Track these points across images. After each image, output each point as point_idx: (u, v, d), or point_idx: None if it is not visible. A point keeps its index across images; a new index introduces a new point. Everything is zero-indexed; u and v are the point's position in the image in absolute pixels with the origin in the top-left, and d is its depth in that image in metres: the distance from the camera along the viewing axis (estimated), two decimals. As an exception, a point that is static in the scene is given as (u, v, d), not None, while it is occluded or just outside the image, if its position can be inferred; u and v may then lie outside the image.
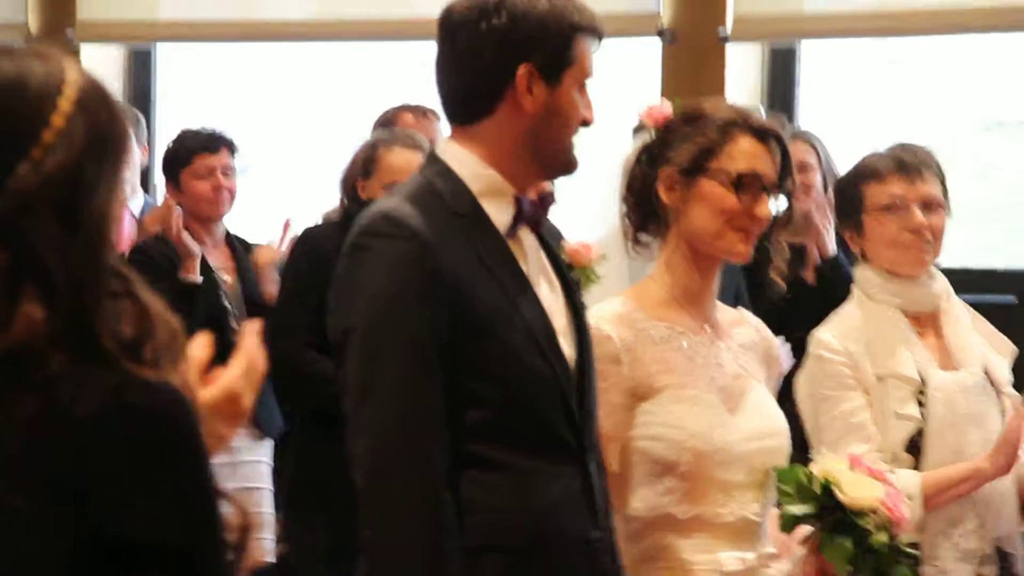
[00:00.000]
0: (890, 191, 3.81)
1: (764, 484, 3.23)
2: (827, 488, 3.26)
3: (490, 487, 2.79)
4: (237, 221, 6.17)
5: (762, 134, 3.24)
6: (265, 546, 5.01)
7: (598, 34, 2.96)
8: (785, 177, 3.26)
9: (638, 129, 3.69)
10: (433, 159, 2.98)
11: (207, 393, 1.89)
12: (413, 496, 2.73)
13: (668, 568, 3.13)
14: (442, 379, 2.75)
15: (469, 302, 2.78)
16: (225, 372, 1.96)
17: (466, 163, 2.88)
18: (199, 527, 1.66)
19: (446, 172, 2.88)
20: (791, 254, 5.58)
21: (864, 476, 3.33)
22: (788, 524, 3.26)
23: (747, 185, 3.14)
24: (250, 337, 2.00)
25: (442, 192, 2.87)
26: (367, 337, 2.75)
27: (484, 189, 2.87)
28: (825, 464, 3.31)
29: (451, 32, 2.90)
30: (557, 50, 2.87)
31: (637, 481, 3.14)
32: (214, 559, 1.68)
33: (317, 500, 4.85)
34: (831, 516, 3.26)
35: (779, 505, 3.30)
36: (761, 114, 4.38)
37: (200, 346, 1.96)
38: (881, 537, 3.26)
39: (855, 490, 3.27)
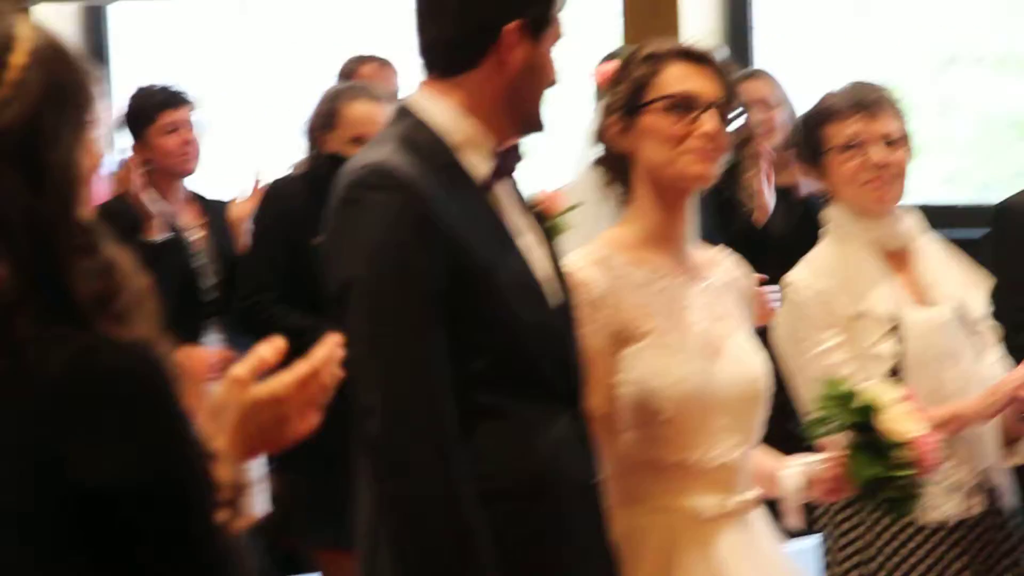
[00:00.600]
0: (849, 130, 3.85)
1: (746, 428, 3.24)
2: (867, 410, 3.36)
3: (495, 435, 2.83)
4: (201, 177, 6.17)
5: (693, 56, 3.26)
6: (256, 502, 5.00)
7: None
8: (732, 96, 3.28)
9: (597, 92, 3.86)
10: (405, 111, 2.95)
11: (256, 391, 1.94)
12: (429, 443, 2.75)
13: (650, 511, 3.15)
14: (444, 329, 2.79)
15: (463, 252, 2.78)
16: (281, 375, 1.99)
17: (445, 114, 2.88)
18: (175, 484, 1.65)
19: (421, 124, 2.88)
20: (779, 197, 5.70)
21: (911, 412, 3.39)
22: (815, 429, 3.40)
23: (683, 106, 3.16)
24: (323, 348, 2.04)
25: (421, 144, 2.84)
26: (370, 289, 2.75)
27: (464, 140, 2.87)
28: (877, 390, 3.40)
29: None
30: (543, 9, 2.88)
31: (622, 425, 3.15)
32: (198, 514, 1.67)
33: (303, 452, 4.78)
34: (863, 436, 3.35)
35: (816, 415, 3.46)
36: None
37: (269, 350, 2.00)
38: (904, 472, 3.36)
39: (895, 422, 3.33)
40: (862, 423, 3.35)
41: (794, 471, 3.35)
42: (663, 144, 3.13)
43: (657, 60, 3.18)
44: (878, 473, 3.34)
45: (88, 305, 1.61)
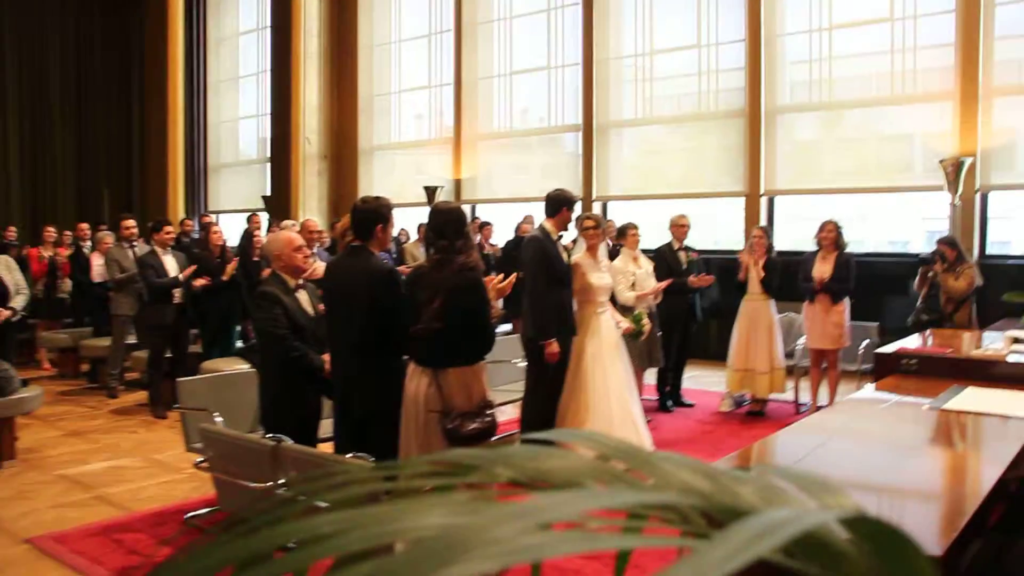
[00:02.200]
0: (631, 232, 7.20)
1: (607, 295, 6.05)
2: (639, 317, 6.45)
3: (554, 296, 5.55)
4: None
5: (590, 217, 6.14)
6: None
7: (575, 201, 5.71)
8: (599, 224, 6.15)
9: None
10: (542, 226, 5.67)
11: (495, 285, 4.08)
12: (541, 294, 5.46)
13: (585, 312, 5.90)
14: (545, 274, 5.48)
15: (551, 255, 5.55)
16: (499, 284, 4.10)
17: (550, 226, 5.60)
18: (485, 307, 3.94)
19: (544, 228, 5.63)
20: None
21: (646, 317, 6.50)
22: (632, 318, 6.47)
23: (588, 228, 6.00)
24: (504, 281, 4.12)
25: (545, 232, 5.62)
26: (531, 264, 5.56)
27: (552, 231, 5.59)
28: (641, 314, 6.51)
29: (550, 200, 5.55)
30: (573, 202, 5.66)
31: (579, 293, 5.88)
32: (488, 314, 4.00)
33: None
34: (635, 322, 6.40)
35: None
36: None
37: (499, 280, 4.14)
38: (640, 328, 6.46)
39: (642, 320, 6.45)
40: (636, 321, 6.48)
41: (622, 324, 6.18)
42: (584, 238, 6.12)
43: (583, 219, 6.15)
44: (636, 329, 6.50)
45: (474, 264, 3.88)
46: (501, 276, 4.30)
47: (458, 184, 14.34)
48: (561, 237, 5.89)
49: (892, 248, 11.27)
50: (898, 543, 0.55)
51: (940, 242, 7.47)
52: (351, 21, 15.94)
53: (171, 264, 8.10)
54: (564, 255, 5.83)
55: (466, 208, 13.93)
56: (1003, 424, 3.49)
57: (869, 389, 4.38)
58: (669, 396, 8.08)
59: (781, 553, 0.54)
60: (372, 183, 15.64)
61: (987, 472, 2.84)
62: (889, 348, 4.99)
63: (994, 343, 5.04)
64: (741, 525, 0.51)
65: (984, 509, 2.53)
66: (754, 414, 7.74)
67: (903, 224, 11.71)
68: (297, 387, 4.27)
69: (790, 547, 0.55)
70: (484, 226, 11.04)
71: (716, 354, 9.42)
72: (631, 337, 6.45)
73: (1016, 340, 4.84)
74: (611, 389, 5.82)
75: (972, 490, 2.68)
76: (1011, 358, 4.52)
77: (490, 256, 10.29)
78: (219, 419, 4.79)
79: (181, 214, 16.73)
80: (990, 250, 9.80)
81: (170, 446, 6.78)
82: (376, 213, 4.07)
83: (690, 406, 8.15)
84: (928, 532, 2.30)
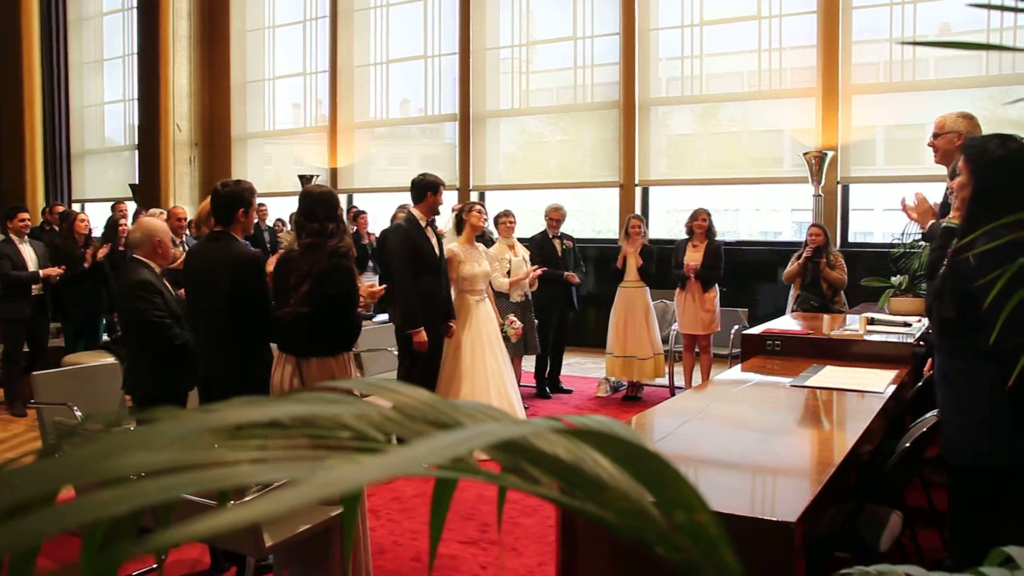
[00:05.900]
0: (503, 220, 8.07)
1: (485, 283, 6.04)
2: (504, 331, 6.52)
3: (423, 284, 5.52)
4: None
5: (478, 204, 6.29)
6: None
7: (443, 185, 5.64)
8: (482, 208, 6.19)
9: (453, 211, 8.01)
10: (409, 213, 5.71)
11: (367, 289, 4.12)
12: (407, 283, 5.58)
13: (464, 300, 5.97)
14: (410, 262, 5.46)
15: (418, 244, 5.54)
16: (369, 288, 4.15)
17: (417, 212, 5.60)
18: (352, 294, 3.79)
19: (411, 214, 5.66)
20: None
21: (515, 323, 6.70)
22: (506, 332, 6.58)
23: (475, 212, 6.16)
24: (378, 285, 4.27)
25: (411, 218, 5.63)
26: (395, 256, 5.65)
27: (420, 217, 5.57)
28: (515, 321, 6.75)
29: (415, 185, 6.01)
30: (439, 186, 5.63)
31: (455, 282, 6.00)
32: (355, 304, 3.84)
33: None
34: (509, 322, 6.72)
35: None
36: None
37: (369, 284, 4.22)
38: (512, 329, 6.77)
39: (514, 324, 6.72)
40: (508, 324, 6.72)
41: (508, 324, 6.58)
42: (474, 222, 6.11)
43: (469, 206, 6.23)
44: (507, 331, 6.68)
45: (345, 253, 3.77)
46: (374, 283, 4.24)
47: (334, 173, 14.19)
48: (432, 224, 5.82)
49: (764, 237, 11.70)
50: (649, 462, 0.56)
51: (816, 226, 7.75)
52: (223, 3, 15.54)
53: (28, 253, 7.71)
54: (434, 241, 5.76)
55: (343, 197, 13.77)
56: (859, 399, 3.67)
57: (736, 370, 4.52)
58: (547, 382, 8.14)
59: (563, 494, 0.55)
60: (246, 172, 15.26)
61: (842, 444, 2.99)
62: (755, 330, 5.15)
63: (853, 324, 5.27)
64: (444, 433, 0.53)
65: (838, 478, 2.66)
66: (631, 399, 7.89)
67: (773, 214, 12.29)
68: (172, 379, 4.10)
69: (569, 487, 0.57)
70: (359, 215, 10.80)
71: (594, 341, 9.59)
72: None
73: (871, 321, 5.09)
74: (488, 377, 5.82)
75: (827, 461, 2.80)
76: (867, 338, 4.74)
77: (367, 246, 10.12)
78: (79, 414, 4.58)
79: (41, 202, 15.94)
80: (852, 239, 10.29)
81: (29, 445, 6.47)
82: (237, 197, 3.94)
83: (568, 392, 8.23)
84: (785, 500, 2.40)
